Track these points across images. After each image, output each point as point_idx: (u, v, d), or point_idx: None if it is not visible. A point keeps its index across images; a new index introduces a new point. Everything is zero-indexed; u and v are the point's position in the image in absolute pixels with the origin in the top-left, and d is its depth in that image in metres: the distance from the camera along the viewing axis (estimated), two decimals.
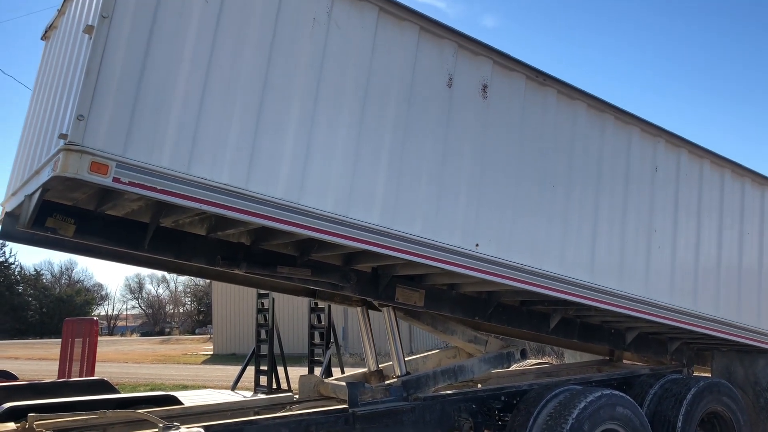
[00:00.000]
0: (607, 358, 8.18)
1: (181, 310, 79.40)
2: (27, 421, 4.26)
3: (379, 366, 6.56)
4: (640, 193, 6.03)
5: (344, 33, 4.46)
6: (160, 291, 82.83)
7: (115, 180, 3.58)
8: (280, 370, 12.64)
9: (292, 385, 11.89)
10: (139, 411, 4.57)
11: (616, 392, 6.06)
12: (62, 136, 3.57)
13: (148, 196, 3.73)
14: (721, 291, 6.63)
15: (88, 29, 3.69)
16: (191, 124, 3.83)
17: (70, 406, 4.91)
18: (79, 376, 11.58)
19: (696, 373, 7.74)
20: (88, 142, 3.51)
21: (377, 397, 5.35)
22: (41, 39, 5.79)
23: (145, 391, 15.42)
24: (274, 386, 12.49)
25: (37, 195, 3.98)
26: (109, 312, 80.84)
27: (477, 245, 4.93)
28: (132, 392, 10.42)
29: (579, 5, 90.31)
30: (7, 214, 4.85)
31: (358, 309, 6.44)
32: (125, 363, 30.32)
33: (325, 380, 6.48)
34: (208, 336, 47.82)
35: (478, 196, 5.01)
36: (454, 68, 4.94)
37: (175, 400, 5.95)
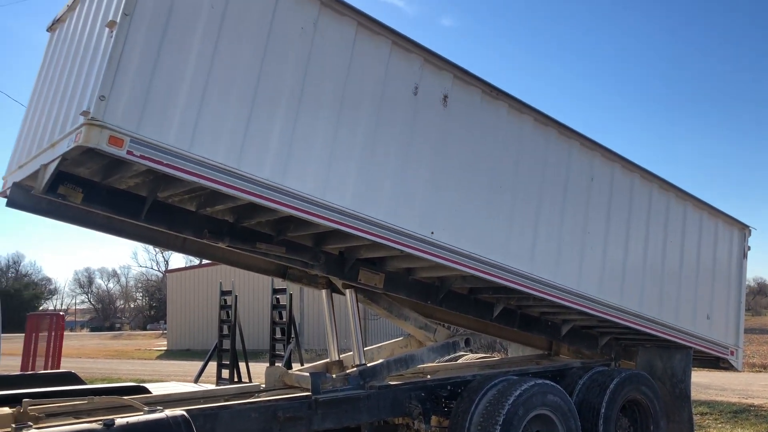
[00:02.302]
0: (546, 352, 9.01)
1: (132, 305, 78.43)
2: (21, 407, 4.55)
3: (340, 356, 7.22)
4: (576, 199, 6.85)
5: (327, 41, 5.16)
6: (111, 285, 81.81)
7: (129, 153, 4.20)
8: (242, 364, 13.13)
9: (252, 379, 12.36)
10: (124, 397, 4.94)
11: (548, 382, 6.83)
12: (84, 113, 4.18)
13: (156, 169, 4.35)
14: (644, 290, 7.49)
15: (111, 24, 4.31)
16: (194, 109, 4.47)
17: (54, 394, 5.27)
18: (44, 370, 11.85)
19: (622, 367, 8.60)
20: (108, 118, 4.13)
21: (337, 386, 6.00)
22: (47, 30, 6.37)
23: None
24: (236, 379, 12.97)
25: (54, 164, 4.56)
26: (58, 306, 79.30)
27: (432, 233, 5.67)
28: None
29: (536, 10, 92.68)
30: (15, 185, 5.38)
31: (324, 292, 7.08)
32: (79, 358, 30.18)
33: (289, 371, 7.08)
34: (161, 332, 47.53)
35: (435, 191, 5.74)
36: (420, 79, 5.69)
37: (145, 390, 6.35)
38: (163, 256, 76.46)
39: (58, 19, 6.11)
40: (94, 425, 3.80)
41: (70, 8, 5.81)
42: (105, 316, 77.15)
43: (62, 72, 5.34)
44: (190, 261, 65.33)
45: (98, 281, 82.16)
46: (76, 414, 4.89)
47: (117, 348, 40.06)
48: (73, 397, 5.19)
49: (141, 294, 76.47)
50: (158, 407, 4.21)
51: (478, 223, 6.03)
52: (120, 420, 3.86)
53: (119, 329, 67.06)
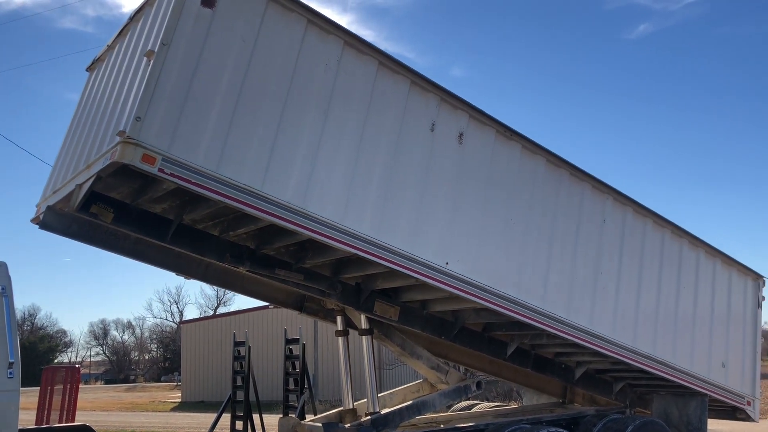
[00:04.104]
0: (560, 401, 8.97)
1: (146, 357, 77.79)
2: None
3: (354, 405, 7.28)
4: (589, 239, 6.98)
5: (349, 77, 5.46)
6: (126, 337, 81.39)
7: (160, 171, 4.45)
8: (256, 416, 13.08)
9: (266, 431, 12.34)
10: None
11: (562, 430, 6.84)
12: (120, 133, 4.46)
13: (184, 187, 4.59)
14: (658, 333, 7.50)
15: (149, 54, 4.64)
16: (222, 133, 4.74)
17: None
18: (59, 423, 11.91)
19: (637, 414, 8.52)
20: (143, 137, 4.41)
21: None
22: (86, 70, 6.79)
23: None
24: (249, 431, 12.93)
25: (89, 183, 4.82)
26: (73, 359, 79.04)
27: (447, 263, 5.82)
28: None
29: (547, 61, 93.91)
30: (48, 208, 5.65)
31: (339, 340, 7.21)
32: (92, 411, 29.93)
33: (302, 422, 7.16)
34: (175, 383, 47.12)
35: (449, 223, 5.92)
36: (437, 116, 5.95)
37: None
38: (178, 307, 76.26)
39: (98, 58, 6.53)
40: None
41: (110, 47, 6.22)
42: (119, 368, 76.32)
43: (99, 103, 5.69)
44: (204, 312, 65.46)
45: (113, 333, 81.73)
46: None
47: (131, 400, 39.70)
48: None
49: (155, 345, 75.95)
50: None
51: (492, 256, 6.17)
52: None
53: (133, 381, 66.37)
